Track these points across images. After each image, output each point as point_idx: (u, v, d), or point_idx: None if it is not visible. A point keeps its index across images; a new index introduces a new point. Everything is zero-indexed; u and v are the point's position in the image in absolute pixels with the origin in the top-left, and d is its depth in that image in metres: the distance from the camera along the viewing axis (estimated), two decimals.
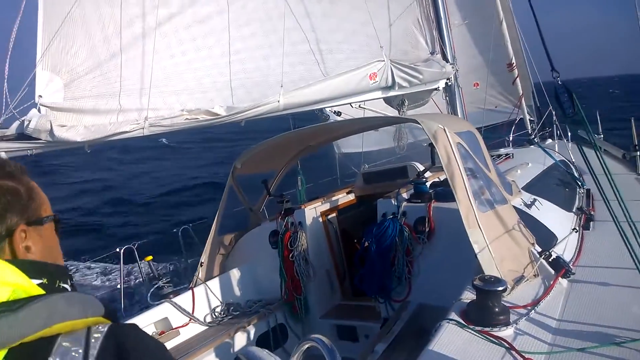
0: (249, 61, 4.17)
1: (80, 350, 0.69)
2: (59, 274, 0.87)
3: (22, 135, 2.80)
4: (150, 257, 3.98)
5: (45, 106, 2.89)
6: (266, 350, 1.20)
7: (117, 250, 3.88)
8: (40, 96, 2.89)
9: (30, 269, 0.79)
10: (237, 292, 4.08)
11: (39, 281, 0.80)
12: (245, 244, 4.44)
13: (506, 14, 7.03)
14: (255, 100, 3.90)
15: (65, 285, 0.87)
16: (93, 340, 0.71)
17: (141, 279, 4.21)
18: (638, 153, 5.51)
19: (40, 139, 2.79)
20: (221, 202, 4.37)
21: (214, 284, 3.99)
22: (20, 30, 2.82)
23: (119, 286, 3.81)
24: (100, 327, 0.73)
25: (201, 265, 4.18)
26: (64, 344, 0.69)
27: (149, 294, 3.70)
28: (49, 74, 2.98)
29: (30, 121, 2.72)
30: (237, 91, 4.03)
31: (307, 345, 1.33)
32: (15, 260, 0.79)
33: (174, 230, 4.71)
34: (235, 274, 4.19)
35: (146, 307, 3.62)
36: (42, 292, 0.76)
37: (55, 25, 3.06)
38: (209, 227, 4.34)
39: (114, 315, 0.81)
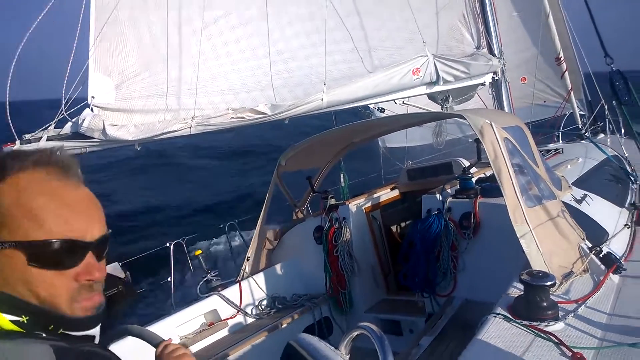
0: (292, 61, 4.23)
1: None
2: (46, 316, 0.71)
3: (76, 135, 2.97)
4: (199, 252, 4.12)
5: (97, 107, 3.06)
6: (317, 337, 1.21)
7: (167, 244, 4.03)
8: (93, 97, 3.05)
9: None
10: (282, 285, 4.15)
11: (15, 318, 0.68)
12: (290, 239, 4.52)
13: (554, 6, 6.78)
14: (298, 98, 3.96)
15: (74, 333, 0.73)
16: None
17: (190, 273, 4.36)
18: None
19: (94, 138, 2.94)
20: (266, 198, 4.46)
21: (260, 277, 4.08)
22: (74, 35, 2.99)
23: (169, 279, 3.95)
24: None
25: (247, 260, 4.28)
26: None
27: (198, 287, 3.83)
28: (101, 76, 3.14)
29: (84, 120, 2.88)
30: (280, 90, 4.10)
31: (356, 333, 1.34)
32: None
33: (220, 225, 4.84)
34: (280, 268, 4.27)
35: (195, 299, 3.74)
36: (17, 329, 0.67)
37: (107, 29, 3.22)
38: (255, 223, 4.44)
39: None
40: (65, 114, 2.92)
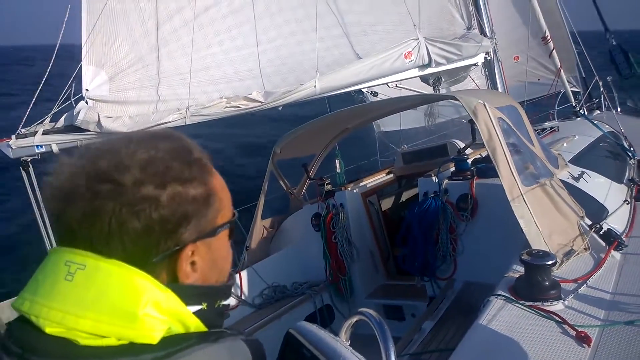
0: (284, 48, 4.21)
1: None
2: (220, 293, 0.74)
3: (71, 127, 2.96)
4: None
5: (92, 99, 3.04)
6: (316, 325, 1.22)
7: None
8: (87, 90, 3.03)
9: (189, 293, 0.66)
10: (282, 274, 4.15)
11: (198, 307, 0.68)
12: (288, 228, 4.52)
13: None
14: (291, 85, 3.94)
15: (225, 302, 0.76)
16: None
17: None
18: None
19: (89, 130, 2.93)
20: (262, 187, 4.45)
21: (260, 267, 4.08)
22: (66, 27, 2.97)
23: None
24: None
25: (247, 250, 4.28)
26: None
27: None
28: (94, 69, 3.12)
29: (78, 113, 2.86)
30: (273, 77, 4.08)
31: (355, 319, 1.35)
32: (172, 285, 0.65)
33: None
34: (279, 257, 4.27)
35: None
36: (201, 325, 0.66)
37: (98, 21, 3.19)
38: (253, 213, 4.43)
39: None
40: (57, 107, 2.91)
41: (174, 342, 0.59)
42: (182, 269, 0.66)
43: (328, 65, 4.23)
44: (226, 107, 3.68)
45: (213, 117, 3.66)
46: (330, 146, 4.93)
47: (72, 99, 2.95)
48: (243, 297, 3.81)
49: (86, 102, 3.00)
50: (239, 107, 3.73)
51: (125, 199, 0.61)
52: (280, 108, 4.01)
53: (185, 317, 0.64)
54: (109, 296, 0.59)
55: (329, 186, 4.34)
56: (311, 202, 4.55)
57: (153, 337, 0.58)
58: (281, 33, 4.23)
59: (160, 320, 0.60)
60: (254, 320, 3.59)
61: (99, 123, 2.93)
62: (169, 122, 3.36)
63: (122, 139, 0.68)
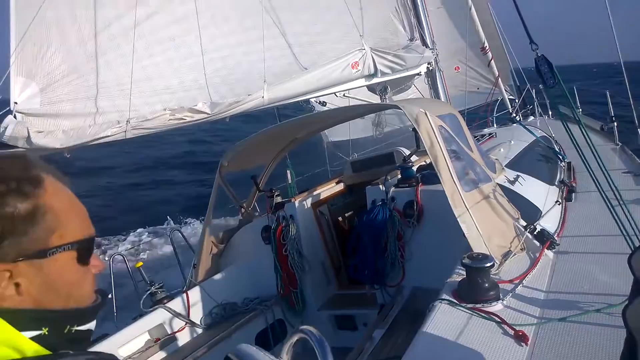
0: (231, 57, 4.14)
1: None
2: (69, 318, 0.69)
3: None
4: (140, 264, 3.89)
5: (21, 112, 2.86)
6: (256, 347, 1.19)
7: (106, 259, 3.81)
8: (16, 102, 2.85)
9: (20, 317, 0.61)
10: (232, 291, 4.03)
11: (36, 333, 0.63)
12: (238, 242, 4.43)
13: None
14: (239, 95, 3.89)
15: (82, 328, 0.71)
16: None
17: (132, 287, 4.09)
18: (615, 124, 5.65)
19: (18, 147, 2.75)
20: (210, 201, 4.33)
21: (209, 285, 3.94)
22: None
23: (110, 296, 3.73)
24: None
25: (194, 267, 4.14)
26: None
27: (141, 301, 3.58)
28: (23, 80, 2.94)
29: (6, 128, 2.69)
30: (220, 88, 4.00)
31: (296, 338, 1.32)
32: None
33: (167, 234, 4.67)
34: (229, 273, 4.15)
35: (140, 315, 3.51)
36: (42, 350, 0.61)
37: (29, 29, 3.02)
38: (200, 229, 4.31)
39: None
40: None
41: None
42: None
43: (276, 75, 4.20)
44: (170, 119, 3.57)
45: (156, 130, 3.55)
46: (279, 157, 4.90)
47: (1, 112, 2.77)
48: (191, 318, 3.64)
49: (14, 117, 2.81)
50: (183, 119, 3.63)
51: None
52: (227, 119, 3.95)
53: (18, 343, 0.60)
54: None
55: (279, 198, 4.30)
56: (261, 215, 4.49)
57: None
58: (228, 42, 4.16)
59: None
60: (204, 341, 3.46)
61: (28, 139, 2.74)
62: (108, 136, 3.22)
63: None
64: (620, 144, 5.43)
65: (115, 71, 3.49)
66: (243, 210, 4.67)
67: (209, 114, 3.68)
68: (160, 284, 3.68)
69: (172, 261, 4.94)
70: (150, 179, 17.47)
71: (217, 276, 4.08)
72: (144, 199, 14.92)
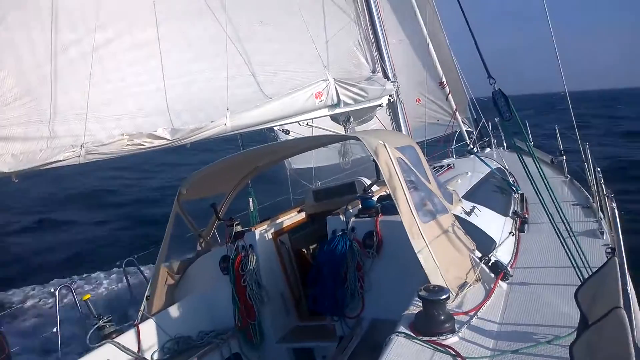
0: (194, 84, 4.11)
1: None
2: None
3: None
4: (88, 296, 3.68)
5: None
6: None
7: (52, 290, 3.60)
8: None
9: None
10: (187, 324, 3.87)
11: None
12: (195, 272, 4.30)
13: (438, 33, 7.41)
14: (201, 122, 3.85)
15: None
16: None
17: (79, 320, 3.86)
18: (564, 158, 5.91)
19: None
20: (167, 229, 4.20)
21: (162, 317, 3.78)
22: None
23: (55, 330, 3.51)
24: None
25: (147, 299, 3.97)
26: None
27: (87, 336, 3.38)
28: None
29: None
30: (182, 114, 3.94)
31: None
32: None
33: (117, 262, 4.47)
34: (184, 305, 3.99)
35: (86, 350, 3.30)
36: None
37: None
38: (155, 258, 4.15)
39: None
40: None
41: None
42: None
43: (239, 103, 4.19)
44: (128, 144, 3.49)
45: (112, 156, 3.45)
46: (240, 185, 4.84)
47: None
48: (141, 354, 3.46)
49: None
50: (142, 144, 3.55)
51: None
52: (188, 145, 3.89)
53: None
54: None
55: (239, 227, 4.21)
56: (220, 244, 4.39)
57: None
58: (190, 69, 4.12)
59: None
60: None
61: None
62: (60, 160, 3.11)
63: None
64: (569, 176, 5.65)
65: (72, 95, 3.39)
66: (201, 239, 4.56)
67: (169, 140, 3.62)
68: (109, 317, 3.50)
69: (125, 293, 4.72)
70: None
71: (172, 308, 3.92)
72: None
